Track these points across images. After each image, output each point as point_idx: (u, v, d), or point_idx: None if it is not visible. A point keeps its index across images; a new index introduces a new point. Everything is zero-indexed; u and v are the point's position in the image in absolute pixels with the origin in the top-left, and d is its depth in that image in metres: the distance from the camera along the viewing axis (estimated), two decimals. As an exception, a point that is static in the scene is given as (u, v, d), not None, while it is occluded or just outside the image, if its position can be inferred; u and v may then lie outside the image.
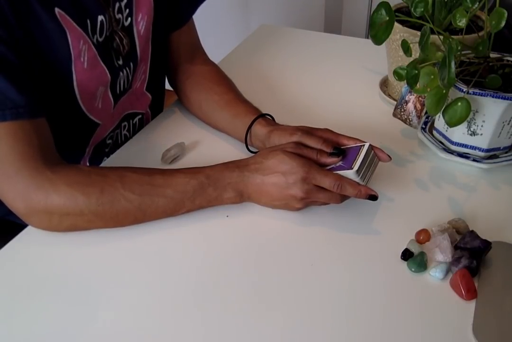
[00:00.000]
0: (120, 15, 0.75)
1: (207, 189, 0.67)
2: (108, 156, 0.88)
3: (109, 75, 0.75)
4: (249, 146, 0.79)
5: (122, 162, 0.80)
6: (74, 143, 0.79)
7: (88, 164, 0.86)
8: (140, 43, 0.80)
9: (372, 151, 0.68)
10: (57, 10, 0.64)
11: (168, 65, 0.92)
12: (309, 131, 0.71)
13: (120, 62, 0.77)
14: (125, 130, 0.90)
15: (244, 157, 0.71)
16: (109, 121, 0.83)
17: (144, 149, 0.83)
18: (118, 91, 0.80)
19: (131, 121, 0.90)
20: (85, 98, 0.74)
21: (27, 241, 0.67)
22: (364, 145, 0.68)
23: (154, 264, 0.64)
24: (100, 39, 0.72)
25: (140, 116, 0.92)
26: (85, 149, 0.83)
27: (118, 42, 0.76)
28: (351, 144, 0.70)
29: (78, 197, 0.62)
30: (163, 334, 0.56)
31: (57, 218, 0.64)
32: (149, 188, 0.65)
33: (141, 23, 0.78)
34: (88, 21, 0.69)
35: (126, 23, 0.76)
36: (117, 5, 0.73)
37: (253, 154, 0.73)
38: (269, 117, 0.79)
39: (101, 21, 0.71)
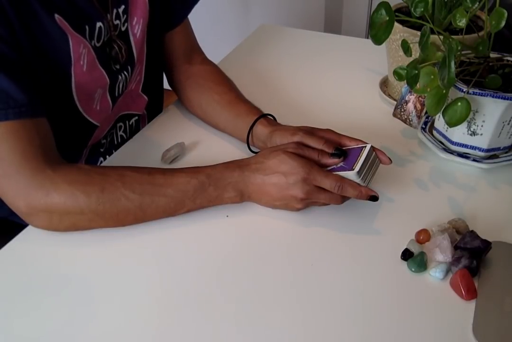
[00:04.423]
0: (118, 21, 0.75)
1: (208, 188, 0.67)
2: (103, 156, 0.88)
3: (107, 78, 0.75)
4: (250, 146, 0.79)
5: (122, 162, 0.80)
6: (72, 145, 0.79)
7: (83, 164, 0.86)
8: (136, 47, 0.80)
9: (374, 153, 0.68)
10: (56, 16, 0.65)
11: (165, 66, 0.93)
12: (310, 131, 0.71)
13: (118, 66, 0.78)
14: (121, 131, 0.90)
15: (244, 157, 0.71)
16: (106, 122, 0.83)
17: (144, 149, 0.83)
18: (116, 94, 0.80)
19: (127, 122, 0.90)
20: (83, 100, 0.74)
21: (27, 241, 0.67)
22: (365, 146, 0.68)
23: (154, 264, 0.64)
24: (98, 45, 0.72)
25: (136, 117, 0.92)
26: (83, 150, 0.83)
27: (117, 51, 0.76)
28: (353, 145, 0.70)
29: (79, 195, 0.62)
30: (163, 334, 0.56)
31: (57, 217, 0.64)
32: (150, 187, 0.65)
33: (137, 27, 0.78)
34: (87, 27, 0.69)
35: (123, 28, 0.77)
36: (114, 11, 0.74)
37: (254, 154, 0.73)
38: (270, 117, 0.79)
39: (99, 28, 0.71)
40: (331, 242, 0.66)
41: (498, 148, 0.77)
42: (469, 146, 0.77)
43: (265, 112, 0.80)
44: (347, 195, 0.65)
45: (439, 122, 0.80)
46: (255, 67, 1.07)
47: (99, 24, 0.71)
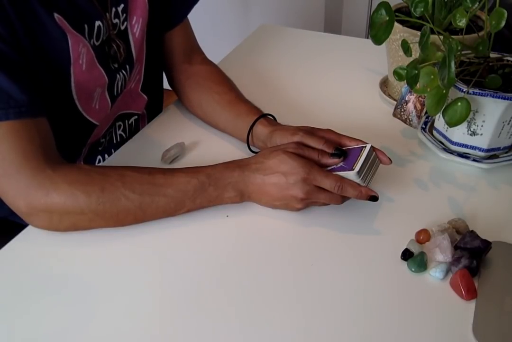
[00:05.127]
0: (117, 20, 0.75)
1: (208, 188, 0.67)
2: (102, 155, 0.88)
3: (106, 77, 0.75)
4: (250, 146, 0.79)
5: (122, 162, 0.80)
6: (72, 144, 0.79)
7: (82, 164, 0.86)
8: (135, 46, 0.80)
9: (374, 153, 0.68)
10: (56, 15, 0.65)
11: (165, 66, 0.93)
12: (310, 131, 0.71)
13: (116, 65, 0.78)
14: (121, 130, 0.90)
15: (244, 157, 0.71)
16: (105, 121, 0.83)
17: (144, 149, 0.83)
18: (115, 93, 0.80)
19: (126, 121, 0.90)
20: (82, 99, 0.74)
21: (27, 241, 0.67)
22: (365, 146, 0.68)
23: (154, 264, 0.64)
24: (97, 43, 0.72)
25: (136, 117, 0.92)
26: (82, 149, 0.83)
27: (115, 50, 0.76)
28: (353, 145, 0.70)
29: (79, 195, 0.62)
30: (163, 334, 0.56)
31: (57, 217, 0.64)
32: (150, 187, 0.65)
33: (136, 26, 0.78)
34: (86, 26, 0.69)
35: (122, 27, 0.77)
36: (113, 10, 0.74)
37: (254, 154, 0.73)
38: (270, 117, 0.79)
39: (98, 26, 0.71)
40: (331, 242, 0.66)
41: (498, 148, 0.77)
42: (469, 146, 0.77)
43: (265, 112, 0.80)
44: (347, 195, 0.65)
45: (439, 122, 0.80)
46: (255, 67, 1.07)
47: (98, 23, 0.71)
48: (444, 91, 0.67)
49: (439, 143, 0.80)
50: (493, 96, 0.70)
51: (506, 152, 0.79)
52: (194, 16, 0.92)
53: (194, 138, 0.85)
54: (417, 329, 0.56)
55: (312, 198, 0.66)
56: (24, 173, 0.62)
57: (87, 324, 0.57)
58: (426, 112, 0.77)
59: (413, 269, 0.62)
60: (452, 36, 0.70)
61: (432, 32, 0.69)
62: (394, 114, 0.85)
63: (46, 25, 0.64)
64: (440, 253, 0.62)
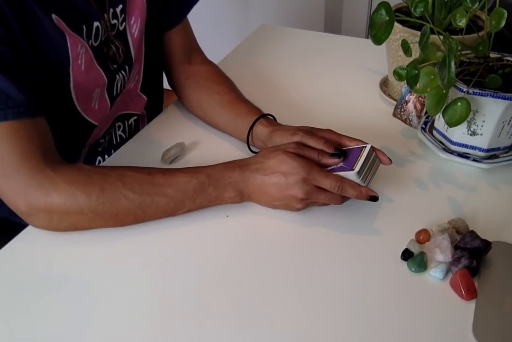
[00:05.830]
0: (115, 21, 0.75)
1: (208, 188, 0.67)
2: (102, 156, 0.88)
3: (105, 77, 0.75)
4: (250, 146, 0.79)
5: (122, 162, 0.80)
6: (71, 145, 0.79)
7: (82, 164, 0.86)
8: (134, 46, 0.80)
9: (374, 153, 0.68)
10: (53, 16, 0.65)
11: (165, 66, 0.93)
12: (310, 131, 0.71)
13: (115, 66, 0.78)
14: (120, 131, 0.90)
15: (244, 157, 0.71)
16: (104, 122, 0.83)
17: (144, 149, 0.83)
18: (114, 93, 0.80)
19: (126, 122, 0.90)
20: (81, 99, 0.74)
21: (27, 241, 0.67)
22: (366, 146, 0.68)
23: (154, 264, 0.64)
24: (95, 44, 0.73)
25: (135, 117, 0.92)
26: (81, 150, 0.83)
27: (114, 51, 0.76)
28: (353, 145, 0.70)
29: (79, 195, 0.62)
30: (163, 334, 0.56)
31: (57, 217, 0.64)
32: (150, 187, 0.65)
33: (134, 26, 0.79)
34: (84, 27, 0.70)
35: (121, 28, 0.77)
36: (111, 10, 0.74)
37: (254, 154, 0.73)
38: (270, 117, 0.79)
39: (97, 27, 0.71)
40: (331, 242, 0.66)
41: (498, 148, 0.77)
42: (469, 146, 0.77)
43: (265, 112, 0.80)
44: (347, 195, 0.65)
45: (439, 122, 0.80)
46: (255, 67, 1.07)
47: (96, 23, 0.71)
48: (444, 91, 0.67)
49: (439, 143, 0.80)
50: (493, 96, 0.70)
51: (506, 152, 0.79)
52: (194, 16, 0.92)
53: (194, 138, 0.85)
54: (417, 329, 0.56)
55: (312, 198, 0.66)
56: (24, 172, 0.62)
57: (87, 324, 0.57)
58: (426, 112, 0.77)
59: (413, 269, 0.62)
60: (452, 36, 0.70)
61: (432, 32, 0.69)
62: (394, 114, 0.85)
63: (44, 25, 0.64)
64: (440, 253, 0.62)
